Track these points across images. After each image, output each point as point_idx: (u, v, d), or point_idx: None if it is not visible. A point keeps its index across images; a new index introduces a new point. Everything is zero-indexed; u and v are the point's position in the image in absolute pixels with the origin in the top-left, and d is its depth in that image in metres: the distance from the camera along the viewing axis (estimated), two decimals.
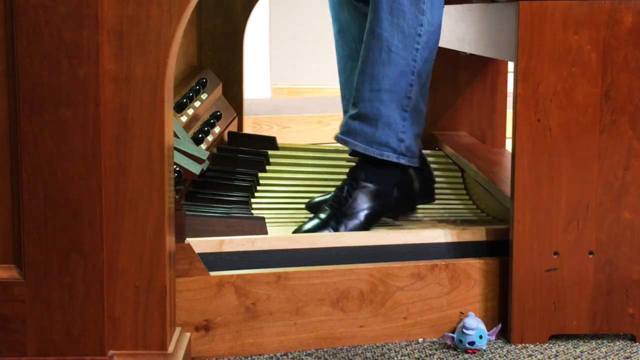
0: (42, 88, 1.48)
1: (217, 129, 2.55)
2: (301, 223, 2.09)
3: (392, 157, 2.03)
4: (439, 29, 2.04)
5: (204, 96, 2.56)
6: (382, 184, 2.05)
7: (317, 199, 2.17)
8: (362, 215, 2.02)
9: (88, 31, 1.47)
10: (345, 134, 2.05)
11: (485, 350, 1.82)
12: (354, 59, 2.23)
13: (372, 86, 2.00)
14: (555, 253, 1.84)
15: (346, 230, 2.01)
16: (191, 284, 1.75)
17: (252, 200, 2.29)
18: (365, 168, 2.07)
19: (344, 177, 2.17)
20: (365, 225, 2.03)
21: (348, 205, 2.03)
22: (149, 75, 1.50)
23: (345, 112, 2.27)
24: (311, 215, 2.10)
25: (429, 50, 2.03)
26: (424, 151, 2.70)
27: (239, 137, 2.71)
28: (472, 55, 2.80)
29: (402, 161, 2.04)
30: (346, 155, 2.46)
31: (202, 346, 1.77)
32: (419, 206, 2.36)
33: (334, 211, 2.03)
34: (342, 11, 2.28)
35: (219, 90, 2.74)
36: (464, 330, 1.80)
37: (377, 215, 2.05)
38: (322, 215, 2.03)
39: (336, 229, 2.00)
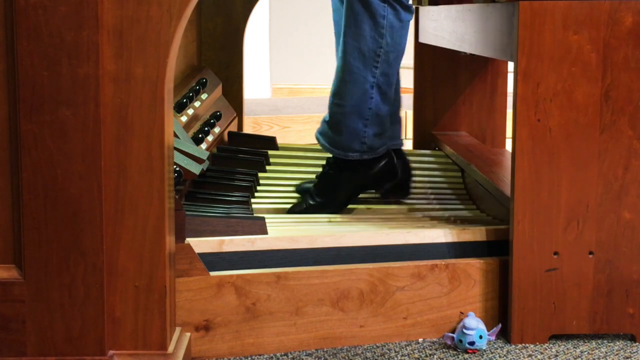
0: (42, 88, 1.48)
1: (217, 129, 2.55)
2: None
3: (356, 156, 2.29)
4: (401, 47, 2.26)
5: (204, 96, 2.56)
6: (358, 168, 2.31)
7: (306, 184, 2.41)
8: (339, 193, 2.30)
9: (88, 31, 1.47)
10: (319, 133, 2.33)
11: (485, 350, 1.82)
12: (338, 38, 2.36)
13: (336, 101, 2.27)
14: (555, 253, 1.84)
15: (324, 203, 2.28)
16: (191, 284, 1.75)
17: (252, 200, 2.29)
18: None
19: None
20: (343, 200, 2.30)
21: (326, 185, 2.30)
22: (149, 75, 1.50)
23: None
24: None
25: (388, 65, 2.25)
26: (425, 151, 2.71)
27: (239, 137, 2.71)
28: (472, 55, 2.80)
29: (365, 157, 2.29)
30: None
31: (202, 346, 1.77)
32: (418, 205, 2.36)
33: (315, 190, 2.31)
34: (340, 15, 2.34)
35: (219, 90, 2.74)
36: (464, 330, 1.80)
37: (354, 192, 2.33)
38: (309, 201, 2.31)
39: (315, 202, 2.28)
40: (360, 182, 2.32)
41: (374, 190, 2.39)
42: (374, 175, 2.33)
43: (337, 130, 2.27)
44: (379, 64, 2.22)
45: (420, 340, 1.88)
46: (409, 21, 2.24)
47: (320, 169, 2.52)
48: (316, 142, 2.36)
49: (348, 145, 2.27)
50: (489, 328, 1.87)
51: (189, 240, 1.79)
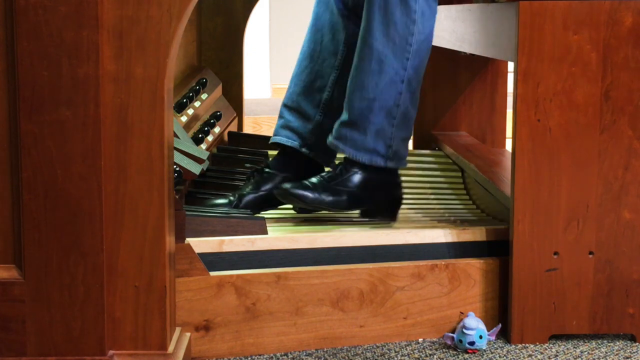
0: (42, 88, 1.48)
1: (217, 129, 2.55)
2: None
3: (380, 162, 2.07)
4: (431, 37, 2.08)
5: (204, 96, 2.55)
6: (372, 176, 2.09)
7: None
8: (345, 194, 2.06)
9: (88, 31, 1.47)
10: (337, 139, 2.09)
11: (485, 350, 1.82)
12: (312, 59, 2.25)
13: (362, 95, 2.04)
14: (555, 253, 1.84)
15: (326, 202, 2.05)
16: (191, 284, 1.75)
17: None
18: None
19: None
20: (346, 205, 2.06)
21: (337, 182, 2.06)
22: (149, 75, 1.50)
23: (284, 105, 2.28)
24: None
25: (420, 59, 2.06)
26: (425, 151, 2.71)
27: (239, 137, 2.71)
28: (472, 55, 2.81)
29: (390, 164, 2.08)
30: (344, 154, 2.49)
31: (202, 346, 1.77)
32: (418, 205, 2.36)
33: (324, 181, 2.07)
34: (321, 6, 2.28)
35: (219, 90, 2.74)
36: (464, 330, 1.80)
37: (359, 201, 2.08)
38: (313, 180, 2.07)
39: (319, 197, 2.04)
40: (384, 198, 2.10)
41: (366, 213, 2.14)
42: (398, 193, 2.12)
43: (361, 128, 2.05)
44: (411, 54, 2.02)
45: (420, 340, 1.88)
46: (436, 12, 2.08)
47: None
48: None
49: (373, 148, 2.05)
50: (489, 328, 1.87)
51: (189, 240, 1.79)
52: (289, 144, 2.22)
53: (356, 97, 2.05)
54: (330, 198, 2.04)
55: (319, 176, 2.08)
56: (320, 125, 2.21)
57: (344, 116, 2.08)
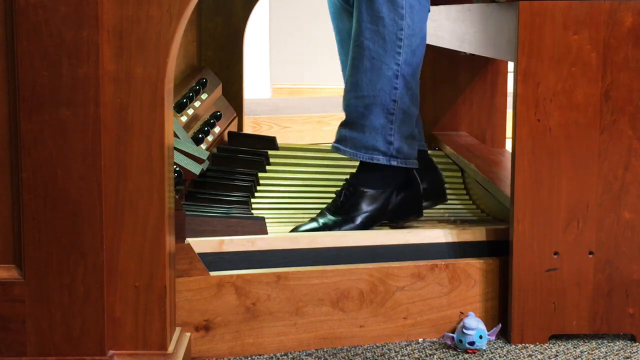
0: (42, 88, 1.48)
1: (217, 129, 2.55)
2: (300, 223, 2.10)
3: (383, 160, 2.06)
4: (423, 32, 2.08)
5: (204, 96, 2.56)
6: (379, 188, 2.08)
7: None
8: (358, 219, 2.06)
9: (88, 31, 1.47)
10: (337, 141, 2.10)
11: (485, 350, 1.82)
12: None
13: (356, 93, 2.05)
14: (555, 253, 1.84)
15: (344, 221, 2.05)
16: (191, 284, 1.75)
17: (252, 200, 2.29)
18: (362, 173, 2.10)
19: (344, 177, 2.25)
20: (363, 227, 2.06)
21: (345, 210, 2.06)
22: (149, 75, 1.50)
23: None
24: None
25: (412, 53, 2.06)
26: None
27: (239, 137, 2.71)
28: (472, 55, 2.81)
29: (394, 163, 2.06)
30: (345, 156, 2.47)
31: (202, 346, 1.77)
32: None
33: (332, 215, 2.07)
34: (342, 20, 2.30)
35: (219, 90, 2.74)
36: (464, 330, 1.80)
37: (373, 219, 2.08)
38: (320, 220, 2.07)
39: (332, 220, 2.06)
40: (400, 202, 2.08)
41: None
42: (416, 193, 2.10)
43: (359, 126, 2.05)
44: (402, 49, 2.02)
45: (420, 340, 1.88)
46: (427, 7, 2.08)
47: (319, 169, 2.52)
48: (316, 142, 2.31)
49: (372, 145, 2.04)
50: (489, 328, 1.87)
51: (189, 240, 1.79)
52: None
53: (351, 96, 2.06)
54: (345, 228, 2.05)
55: (325, 211, 2.08)
56: None
57: (344, 118, 2.09)
